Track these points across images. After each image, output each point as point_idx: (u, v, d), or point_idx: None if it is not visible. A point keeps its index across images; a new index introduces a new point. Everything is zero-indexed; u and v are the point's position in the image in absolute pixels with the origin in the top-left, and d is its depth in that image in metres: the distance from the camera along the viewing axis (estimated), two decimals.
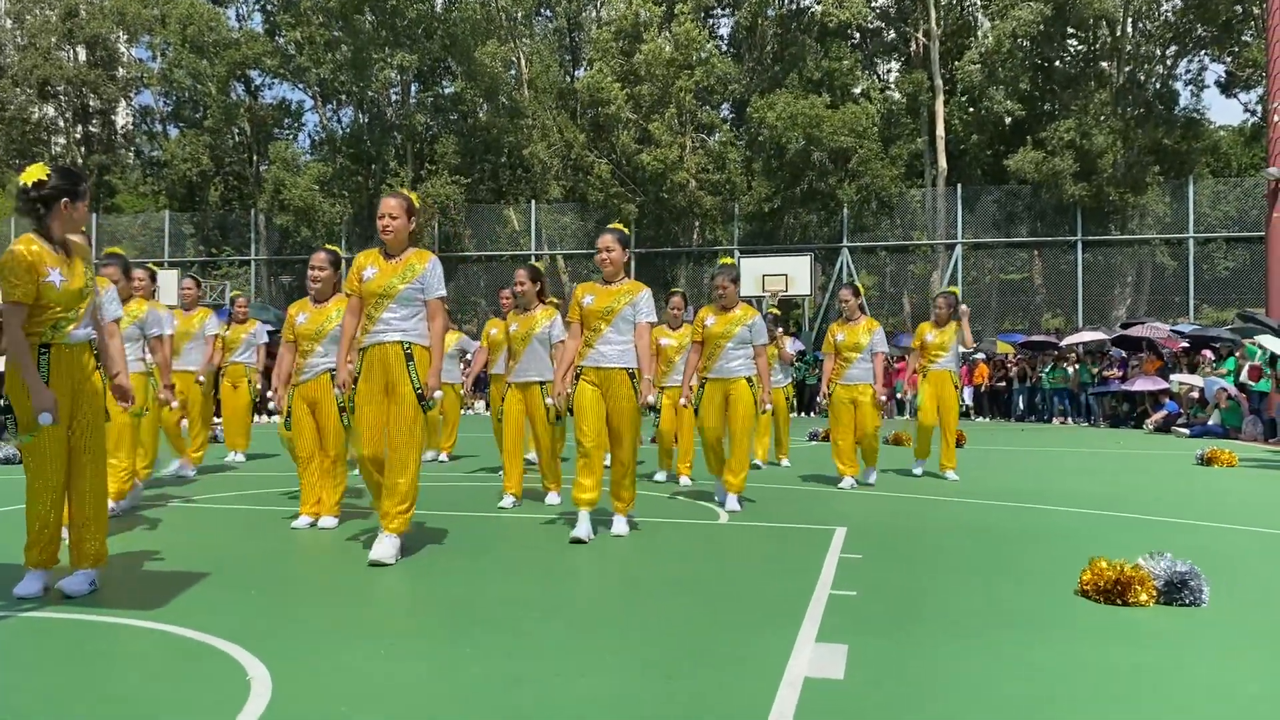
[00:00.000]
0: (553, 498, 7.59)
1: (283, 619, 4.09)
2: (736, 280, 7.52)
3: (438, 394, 5.43)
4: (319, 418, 6.45)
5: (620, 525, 6.13)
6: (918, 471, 9.93)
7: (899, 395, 23.87)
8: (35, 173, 4.28)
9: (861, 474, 9.08)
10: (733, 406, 7.31)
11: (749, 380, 7.31)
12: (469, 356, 10.77)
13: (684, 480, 9.14)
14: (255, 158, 36.99)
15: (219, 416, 11.72)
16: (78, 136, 42.50)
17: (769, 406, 7.77)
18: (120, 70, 41.90)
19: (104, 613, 4.07)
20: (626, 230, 6.40)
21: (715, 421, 7.35)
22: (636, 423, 6.14)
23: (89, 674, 3.33)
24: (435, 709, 2.99)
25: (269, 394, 7.53)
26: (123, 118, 44.93)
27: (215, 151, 36.77)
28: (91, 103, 41.87)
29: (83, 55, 41.58)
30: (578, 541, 5.78)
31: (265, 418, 16.85)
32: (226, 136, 36.86)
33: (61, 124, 42.65)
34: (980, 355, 24.42)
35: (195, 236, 36.88)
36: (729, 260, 7.79)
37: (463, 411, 12.53)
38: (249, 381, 10.87)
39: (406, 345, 5.34)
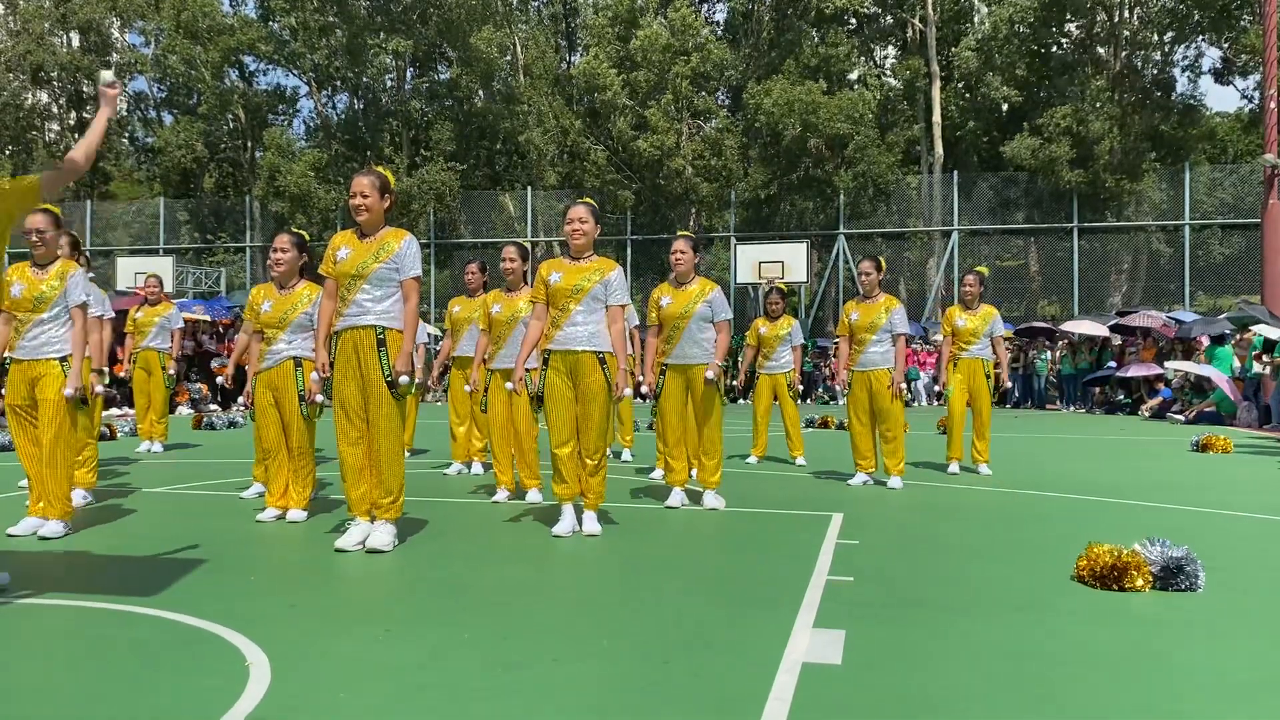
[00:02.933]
0: (534, 495, 7.06)
1: (280, 605, 4.09)
2: (696, 249, 6.84)
3: (404, 378, 5.18)
4: (282, 409, 6.24)
5: (592, 523, 5.70)
6: (953, 470, 8.96)
7: (914, 381, 23.89)
8: None
9: (870, 477, 8.12)
10: (696, 394, 6.77)
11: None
12: (425, 345, 9.96)
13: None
14: (250, 144, 36.86)
15: (131, 406, 11.29)
16: (71, 123, 42.29)
17: (710, 375, 6.71)
18: (114, 56, 41.68)
19: (103, 599, 4.07)
20: (597, 205, 5.99)
21: (678, 413, 6.79)
22: (606, 410, 5.70)
23: (88, 660, 3.34)
24: (433, 693, 3.00)
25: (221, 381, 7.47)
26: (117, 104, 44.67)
27: (210, 138, 36.65)
28: (85, 89, 41.66)
29: (76, 41, 41.37)
30: (559, 538, 5.57)
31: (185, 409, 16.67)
32: (221, 123, 36.72)
33: (55, 110, 42.46)
34: None
35: (190, 224, 36.79)
36: (688, 232, 7.02)
37: (430, 400, 11.94)
38: (163, 368, 10.40)
39: (380, 330, 5.17)
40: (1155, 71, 31.49)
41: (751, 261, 26.40)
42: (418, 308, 5.36)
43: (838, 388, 24.09)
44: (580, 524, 5.74)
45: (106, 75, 4.28)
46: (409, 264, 5.25)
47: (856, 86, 32.63)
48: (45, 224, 5.58)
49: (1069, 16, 31.15)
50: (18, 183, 4.03)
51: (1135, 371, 20.01)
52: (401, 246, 5.23)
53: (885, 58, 36.56)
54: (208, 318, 22.18)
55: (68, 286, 5.64)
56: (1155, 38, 30.97)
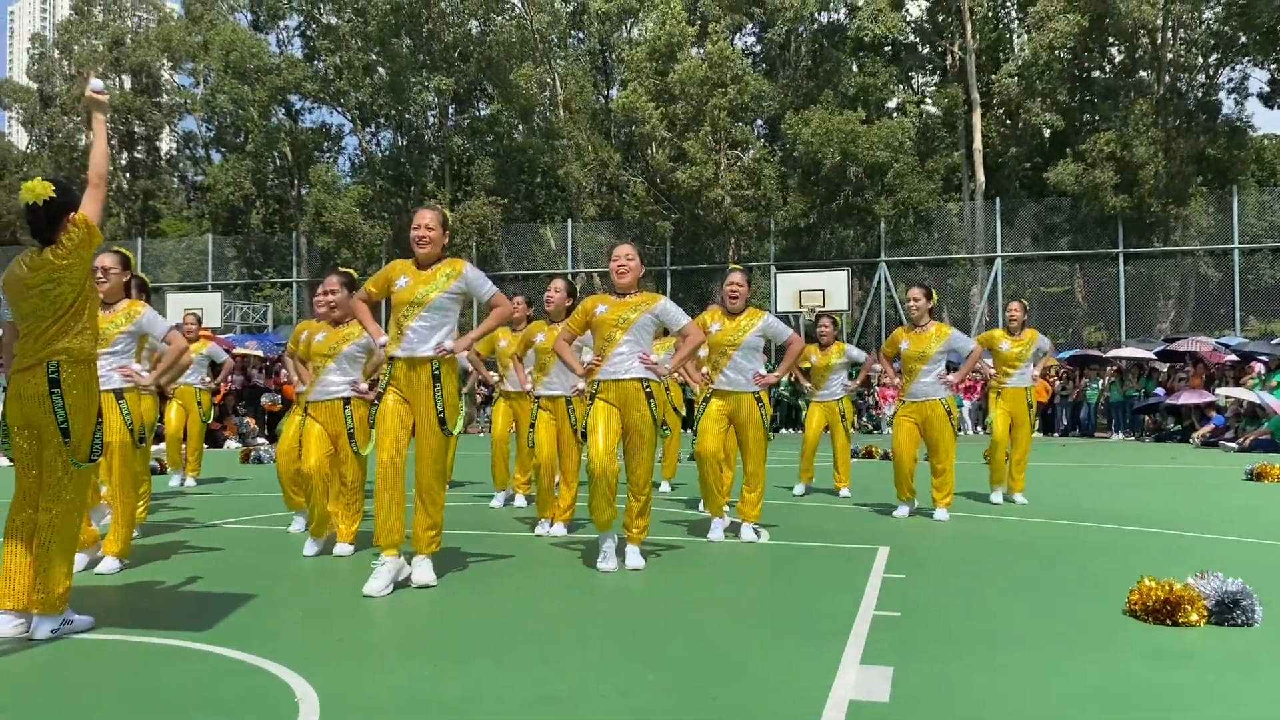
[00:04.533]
0: (559, 529, 7.06)
1: (328, 640, 4.13)
2: (750, 282, 6.95)
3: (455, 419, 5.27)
4: (337, 446, 6.36)
5: (635, 557, 5.70)
6: (996, 499, 8.88)
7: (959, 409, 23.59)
8: (42, 189, 4.10)
9: (914, 506, 8.01)
10: (741, 426, 6.70)
11: (757, 398, 6.73)
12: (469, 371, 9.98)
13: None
14: (296, 181, 37.55)
15: (160, 441, 11.43)
16: (123, 163, 43.35)
17: (763, 378, 6.75)
18: (164, 97, 42.83)
19: (154, 634, 4.13)
20: (637, 237, 6.26)
21: (716, 442, 6.65)
22: (653, 445, 5.80)
23: (140, 695, 3.38)
24: None
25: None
26: (167, 143, 45.89)
27: (257, 175, 37.37)
28: (137, 129, 42.79)
29: (128, 83, 42.52)
30: (603, 571, 5.55)
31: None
32: (268, 160, 37.45)
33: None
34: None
35: (238, 259, 37.45)
36: (740, 265, 7.16)
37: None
38: (199, 404, 10.53)
39: (436, 365, 5.20)
40: (1200, 94, 31.14)
41: (792, 290, 26.31)
42: (506, 313, 5.49)
43: (885, 410, 23.97)
44: (623, 556, 5.74)
45: (96, 83, 4.38)
46: (482, 287, 5.37)
47: (895, 115, 32.58)
48: (112, 262, 5.81)
49: (1111, 41, 30.93)
50: (83, 233, 4.16)
51: (1186, 398, 19.65)
52: (465, 275, 5.32)
53: (924, 85, 36.51)
54: (260, 353, 22.48)
55: (144, 324, 5.80)
56: (1200, 60, 30.65)
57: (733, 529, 6.84)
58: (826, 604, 4.71)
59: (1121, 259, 28.90)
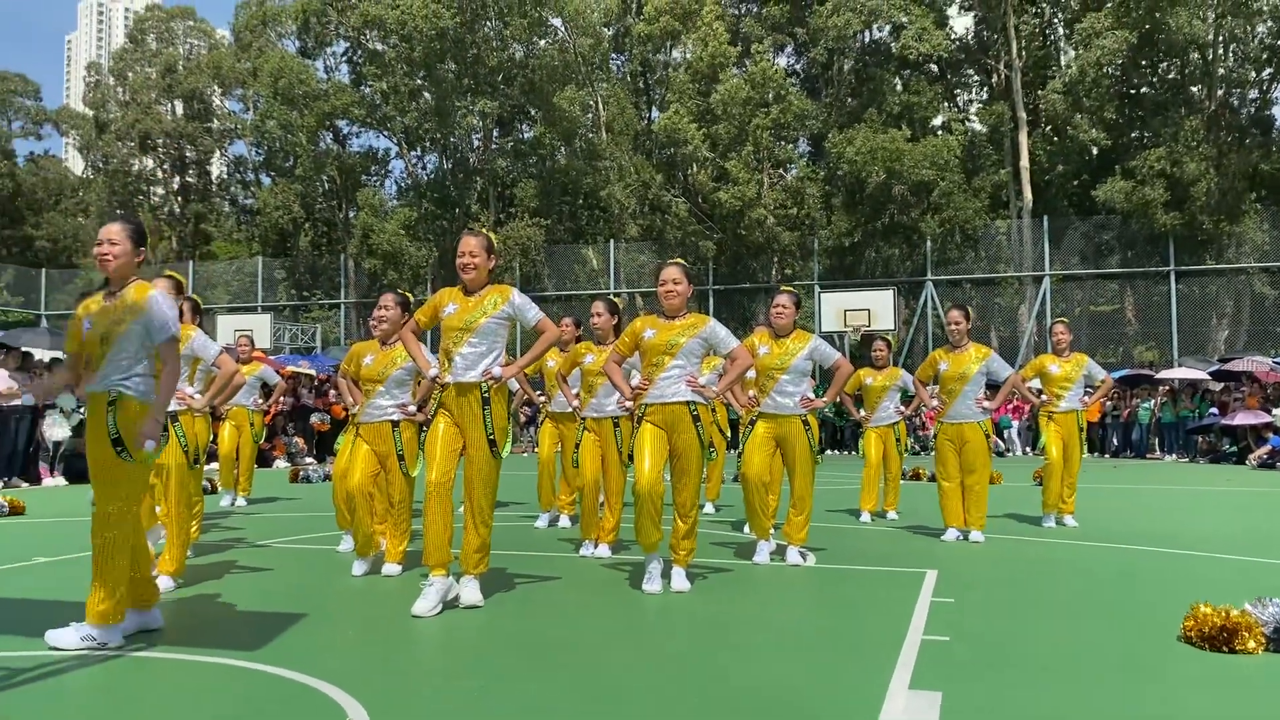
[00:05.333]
0: (603, 550, 7.09)
1: (378, 659, 4.16)
2: (799, 304, 6.91)
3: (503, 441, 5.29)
4: (386, 468, 6.45)
5: (681, 580, 5.68)
6: (1049, 524, 8.75)
7: (1007, 430, 23.30)
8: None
9: (963, 532, 7.83)
10: (788, 449, 6.67)
11: (804, 421, 6.69)
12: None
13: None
14: (344, 204, 38.11)
15: (213, 461, 11.40)
16: (175, 187, 44.33)
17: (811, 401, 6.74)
18: (215, 122, 43.75)
19: (206, 653, 4.19)
20: (683, 261, 6.10)
21: (761, 464, 6.62)
22: (700, 468, 5.80)
23: (192, 713, 3.44)
24: None
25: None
26: (218, 168, 46.87)
27: (305, 199, 37.98)
28: (188, 154, 43.75)
29: (180, 109, 43.51)
30: (648, 594, 5.55)
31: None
32: (316, 184, 38.06)
33: (160, 175, 44.61)
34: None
35: (286, 281, 38.03)
36: (790, 288, 7.09)
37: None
38: (251, 425, 10.71)
39: (485, 390, 5.23)
40: (1253, 109, 30.64)
41: (836, 309, 26.17)
42: (554, 337, 5.53)
43: (932, 432, 23.65)
44: (669, 579, 5.72)
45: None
46: (529, 313, 5.38)
47: (940, 133, 32.39)
48: (165, 288, 5.86)
49: (1161, 57, 30.53)
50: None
51: (1242, 419, 19.25)
52: (513, 300, 5.34)
53: (969, 102, 36.26)
54: (311, 372, 22.75)
55: (195, 348, 5.90)
56: (1253, 75, 30.18)
57: (779, 552, 6.81)
58: (874, 628, 4.67)
59: (1173, 277, 28.44)
